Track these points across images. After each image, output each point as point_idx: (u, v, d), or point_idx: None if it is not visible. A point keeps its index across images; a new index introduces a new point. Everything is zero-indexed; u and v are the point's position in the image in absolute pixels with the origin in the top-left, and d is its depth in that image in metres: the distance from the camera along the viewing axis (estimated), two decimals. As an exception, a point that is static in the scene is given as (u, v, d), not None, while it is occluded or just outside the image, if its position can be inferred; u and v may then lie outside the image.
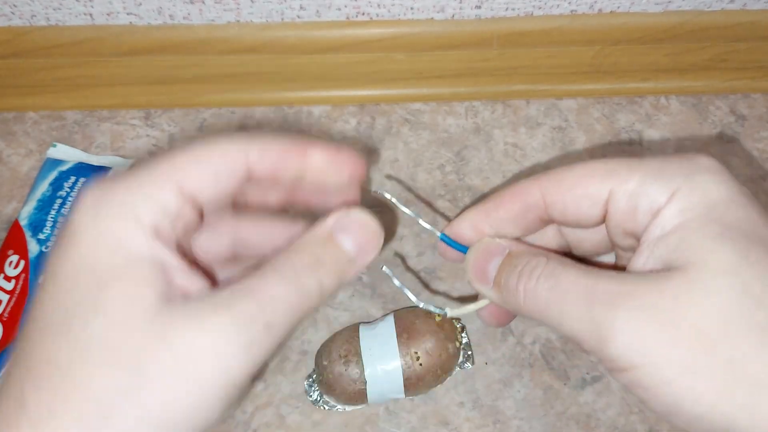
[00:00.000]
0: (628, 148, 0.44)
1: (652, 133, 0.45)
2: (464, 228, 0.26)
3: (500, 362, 0.38)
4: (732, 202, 0.21)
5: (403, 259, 0.40)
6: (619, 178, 0.22)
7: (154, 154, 0.44)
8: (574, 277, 0.22)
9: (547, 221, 0.25)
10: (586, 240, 0.26)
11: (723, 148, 0.44)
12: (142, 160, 0.22)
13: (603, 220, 0.24)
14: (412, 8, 0.41)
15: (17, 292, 0.38)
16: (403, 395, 0.35)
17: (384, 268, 0.27)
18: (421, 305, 0.26)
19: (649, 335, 0.19)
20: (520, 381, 0.37)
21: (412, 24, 0.42)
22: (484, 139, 0.44)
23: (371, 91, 0.45)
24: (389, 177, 0.43)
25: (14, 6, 0.40)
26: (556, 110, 0.45)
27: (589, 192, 0.23)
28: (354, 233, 0.24)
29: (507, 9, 0.41)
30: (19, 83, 0.44)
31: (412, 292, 0.27)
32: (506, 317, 0.28)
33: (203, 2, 0.40)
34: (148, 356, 0.19)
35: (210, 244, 0.25)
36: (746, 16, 0.43)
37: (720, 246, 0.20)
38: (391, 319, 0.36)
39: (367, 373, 0.34)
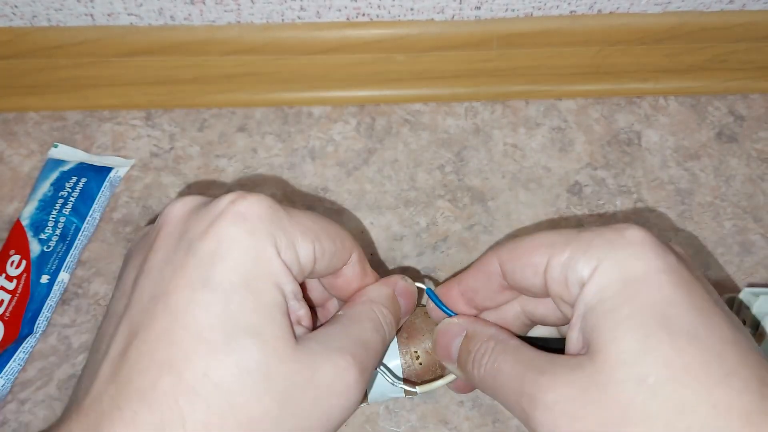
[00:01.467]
0: (627, 149, 0.44)
1: (650, 134, 0.45)
2: (444, 296, 0.30)
3: (499, 362, 0.38)
4: (646, 280, 0.22)
5: None
6: (555, 250, 0.24)
7: (154, 155, 0.44)
8: (510, 366, 0.24)
9: (509, 289, 0.27)
10: (550, 316, 0.28)
11: (721, 149, 0.44)
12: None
13: (546, 290, 0.25)
14: (412, 9, 0.41)
15: (19, 291, 0.38)
16: (403, 394, 0.35)
17: None
18: (396, 385, 0.30)
19: (560, 426, 0.22)
20: (519, 380, 0.37)
21: (411, 25, 0.42)
22: (483, 140, 0.45)
23: (371, 91, 0.45)
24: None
25: (15, 7, 0.40)
26: (555, 111, 0.46)
27: (532, 262, 0.25)
28: (405, 297, 0.30)
29: (506, 10, 0.42)
30: (20, 84, 0.44)
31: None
32: (470, 387, 0.31)
33: (204, 3, 0.40)
34: (298, 384, 0.22)
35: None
36: (745, 17, 0.43)
37: (623, 334, 0.21)
38: None
39: None
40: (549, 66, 0.45)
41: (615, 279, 0.22)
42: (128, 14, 0.41)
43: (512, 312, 0.29)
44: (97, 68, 0.44)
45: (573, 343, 0.24)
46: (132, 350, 0.21)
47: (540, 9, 0.42)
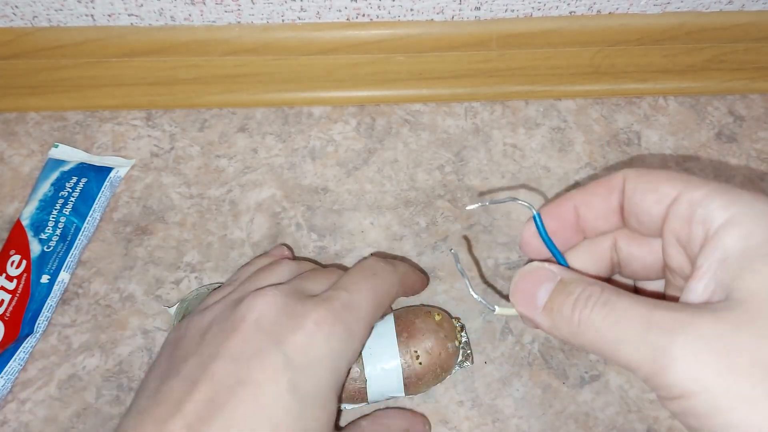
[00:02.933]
0: (626, 149, 0.44)
1: (650, 134, 0.45)
2: (554, 211, 0.27)
3: (499, 361, 0.38)
4: None
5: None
6: (689, 186, 0.23)
7: (155, 155, 0.44)
8: (629, 305, 0.22)
9: (619, 214, 0.26)
10: (639, 259, 0.27)
11: (721, 149, 0.45)
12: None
13: (661, 224, 0.24)
14: (411, 10, 0.41)
15: (19, 291, 0.38)
16: (403, 394, 0.35)
17: (452, 250, 0.29)
18: (475, 296, 0.27)
19: (708, 363, 0.19)
20: (519, 380, 0.37)
21: (411, 25, 0.42)
22: (483, 140, 0.45)
23: (371, 92, 0.45)
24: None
25: (16, 7, 0.40)
26: (554, 111, 0.46)
27: (660, 188, 0.24)
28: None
29: (506, 10, 0.42)
30: (20, 84, 0.44)
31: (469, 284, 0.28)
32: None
33: (204, 3, 0.40)
34: None
35: None
36: (744, 17, 0.43)
37: None
38: (390, 318, 0.36)
39: (366, 371, 0.34)
40: (548, 66, 0.45)
41: (762, 229, 0.21)
42: (129, 15, 0.41)
43: (606, 244, 0.27)
44: (97, 68, 0.44)
45: (699, 292, 0.22)
46: (215, 423, 0.25)
47: (539, 9, 0.42)
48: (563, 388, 0.37)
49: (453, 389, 0.37)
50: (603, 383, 0.37)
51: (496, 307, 0.27)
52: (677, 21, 0.43)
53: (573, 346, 0.25)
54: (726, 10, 0.43)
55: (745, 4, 0.42)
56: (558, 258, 0.27)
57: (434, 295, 0.40)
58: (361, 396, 0.35)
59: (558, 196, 0.28)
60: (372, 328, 0.31)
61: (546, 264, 0.26)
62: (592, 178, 0.43)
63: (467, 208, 0.29)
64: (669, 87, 0.46)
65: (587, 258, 0.28)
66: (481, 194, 0.42)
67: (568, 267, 0.27)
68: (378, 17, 0.42)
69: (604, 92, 0.46)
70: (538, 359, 0.38)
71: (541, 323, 0.25)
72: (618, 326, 0.22)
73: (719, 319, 0.20)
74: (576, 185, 0.43)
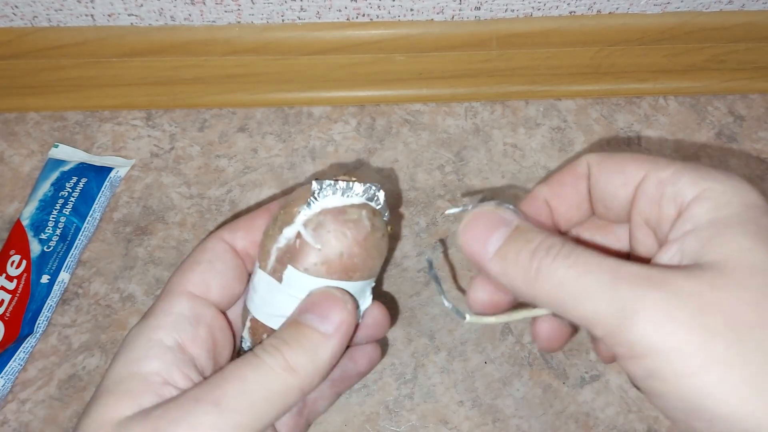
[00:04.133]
0: (626, 149, 0.44)
1: (650, 134, 0.45)
2: (530, 211, 0.26)
3: (499, 361, 0.38)
4: (765, 207, 0.21)
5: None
6: (656, 165, 0.23)
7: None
8: (595, 258, 0.20)
9: (588, 201, 0.25)
10: (609, 249, 0.26)
11: (721, 149, 0.45)
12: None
13: (629, 207, 0.23)
14: (411, 9, 0.41)
15: (19, 291, 0.38)
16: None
17: (426, 256, 0.27)
18: (446, 304, 0.26)
19: (680, 320, 0.18)
20: (519, 380, 0.37)
21: (411, 25, 0.42)
22: (483, 140, 0.45)
23: (371, 91, 0.45)
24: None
25: (16, 7, 0.40)
26: (555, 111, 0.46)
27: (625, 170, 0.23)
28: (319, 310, 0.25)
29: (506, 10, 0.42)
30: (20, 84, 0.44)
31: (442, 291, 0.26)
32: (559, 341, 0.26)
33: (204, 3, 0.40)
34: None
35: None
36: (744, 17, 0.43)
37: (756, 245, 0.19)
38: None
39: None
40: (549, 66, 0.45)
41: (731, 203, 0.20)
42: (129, 15, 0.41)
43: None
44: (97, 68, 0.44)
45: (666, 261, 0.21)
46: None
47: (539, 9, 0.42)
48: (563, 388, 0.37)
49: (453, 389, 0.37)
50: (603, 383, 0.37)
51: (467, 315, 0.25)
52: (677, 21, 0.43)
53: (520, 296, 0.23)
54: (726, 10, 0.43)
55: (745, 4, 0.42)
56: None
57: (435, 295, 0.40)
58: None
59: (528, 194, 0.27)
60: None
61: (501, 209, 0.24)
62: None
63: (446, 212, 0.27)
64: (669, 87, 0.46)
65: None
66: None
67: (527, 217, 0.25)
68: (378, 17, 0.42)
69: (604, 92, 0.46)
70: (539, 359, 0.38)
71: (490, 269, 0.23)
72: (583, 279, 0.20)
73: (694, 277, 0.19)
74: (576, 185, 0.43)
